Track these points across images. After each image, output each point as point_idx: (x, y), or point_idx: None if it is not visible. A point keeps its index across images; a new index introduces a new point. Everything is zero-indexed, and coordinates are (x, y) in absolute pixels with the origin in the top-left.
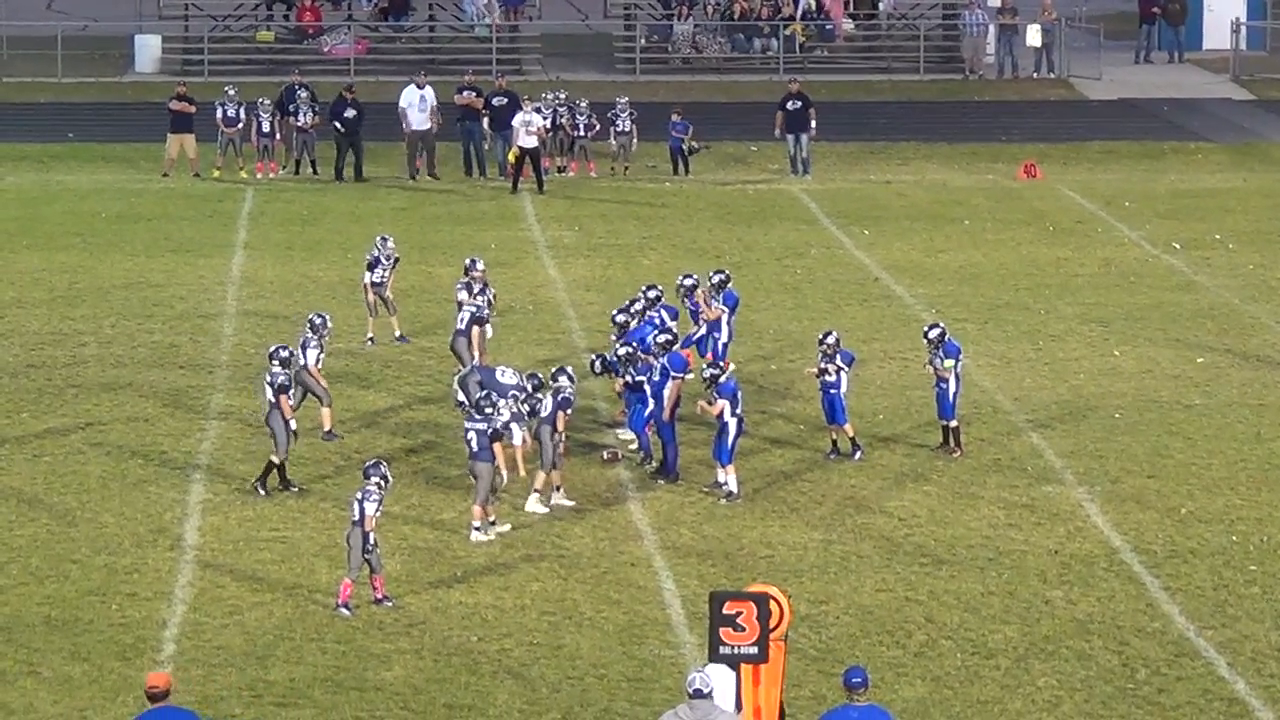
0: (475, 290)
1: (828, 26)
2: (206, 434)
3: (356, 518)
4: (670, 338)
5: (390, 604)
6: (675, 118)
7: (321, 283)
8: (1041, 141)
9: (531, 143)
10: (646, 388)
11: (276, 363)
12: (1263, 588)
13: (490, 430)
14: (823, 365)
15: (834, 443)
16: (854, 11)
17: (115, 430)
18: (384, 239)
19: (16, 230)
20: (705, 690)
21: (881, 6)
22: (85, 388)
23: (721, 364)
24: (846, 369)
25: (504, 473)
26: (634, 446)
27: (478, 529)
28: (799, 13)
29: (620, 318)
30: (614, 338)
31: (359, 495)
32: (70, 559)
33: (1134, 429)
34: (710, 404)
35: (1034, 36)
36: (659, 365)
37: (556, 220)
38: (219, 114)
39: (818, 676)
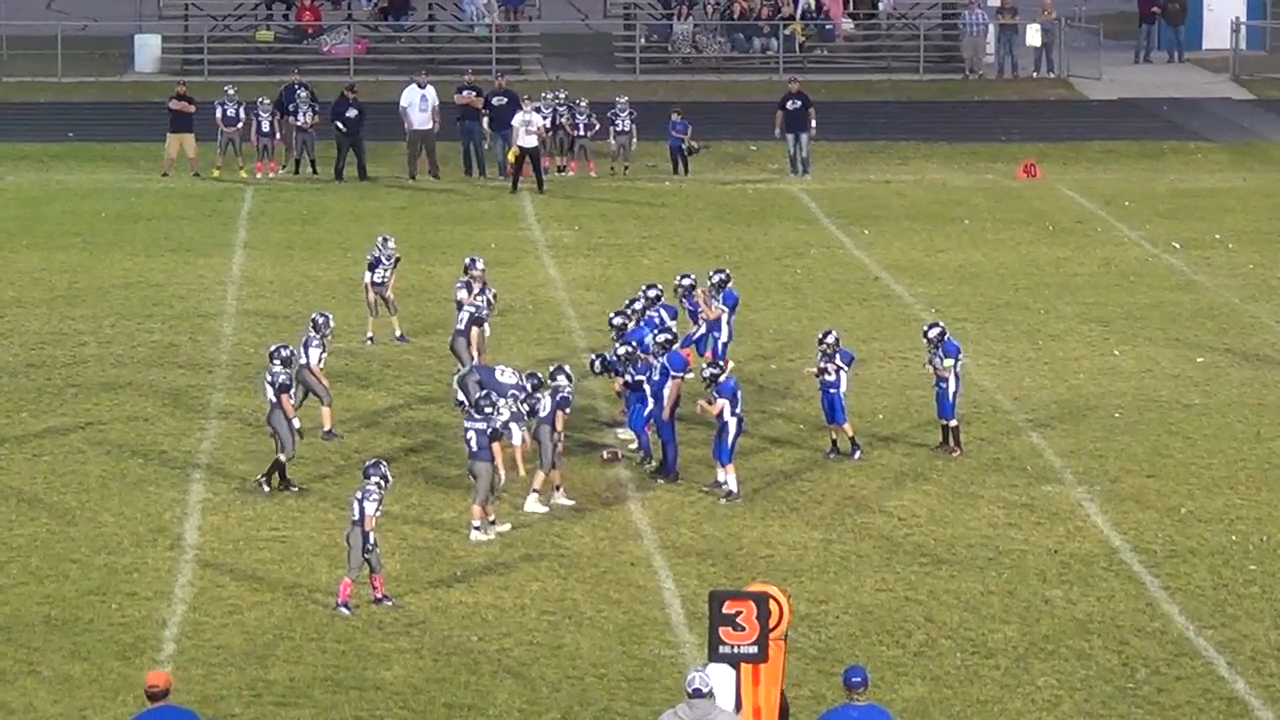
0: (475, 290)
1: (827, 26)
2: (206, 433)
3: (356, 517)
4: (670, 337)
5: (390, 603)
6: (675, 117)
7: (321, 282)
8: (1041, 141)
9: (531, 142)
10: (646, 387)
11: (278, 362)
12: (1262, 587)
13: (490, 430)
14: (822, 365)
15: (834, 442)
16: (854, 11)
17: (115, 430)
18: (385, 239)
19: (16, 230)
20: (705, 690)
21: (881, 6)
22: (85, 387)
23: (721, 363)
24: (846, 368)
25: (502, 472)
26: (634, 446)
27: (477, 528)
28: (799, 12)
29: (617, 320)
30: (612, 338)
31: (359, 495)
32: (70, 558)
33: (1134, 428)
34: (710, 403)
35: (1034, 36)
36: (659, 365)
37: (556, 220)
38: (219, 113)
39: (817, 676)
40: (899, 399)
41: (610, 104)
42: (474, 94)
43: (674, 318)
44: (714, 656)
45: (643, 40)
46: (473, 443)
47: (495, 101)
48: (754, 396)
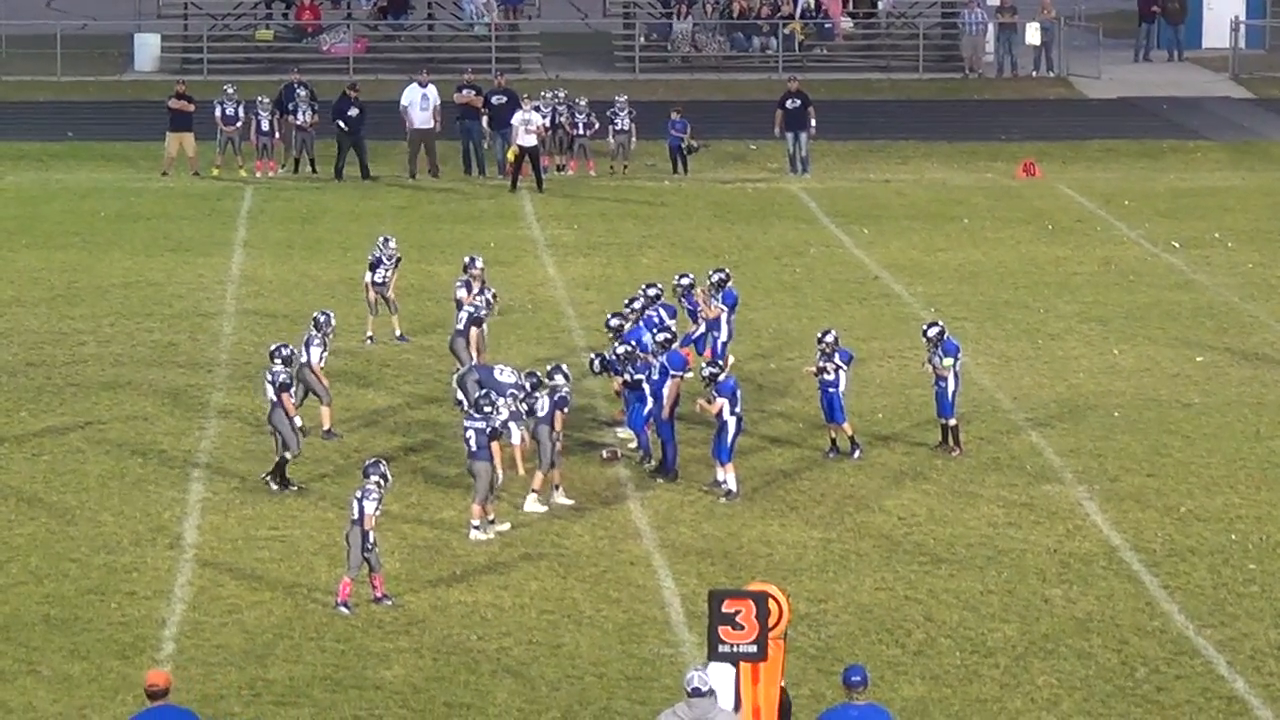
0: (475, 289)
1: (827, 25)
2: (206, 433)
3: (356, 516)
4: (669, 336)
5: (389, 602)
6: (674, 116)
7: (321, 281)
8: (1041, 140)
9: (531, 141)
10: (646, 386)
11: (279, 361)
12: (1262, 586)
13: (489, 429)
14: (821, 364)
15: (833, 441)
16: (853, 10)
17: (114, 429)
18: (386, 239)
19: (16, 229)
20: (704, 689)
21: (881, 5)
22: (84, 386)
23: (721, 362)
24: (845, 367)
25: (500, 471)
26: (633, 445)
27: (477, 528)
28: (798, 11)
29: (614, 321)
30: (610, 339)
31: (358, 494)
32: (69, 558)
33: (1133, 427)
34: (709, 402)
35: (1033, 35)
36: (658, 364)
37: (555, 219)
38: (218, 113)
39: (817, 675)
40: (898, 398)
41: (610, 103)
42: (473, 93)
43: (673, 317)
44: (713, 655)
45: (642, 39)
46: (472, 442)
47: (495, 100)
48: (753, 395)
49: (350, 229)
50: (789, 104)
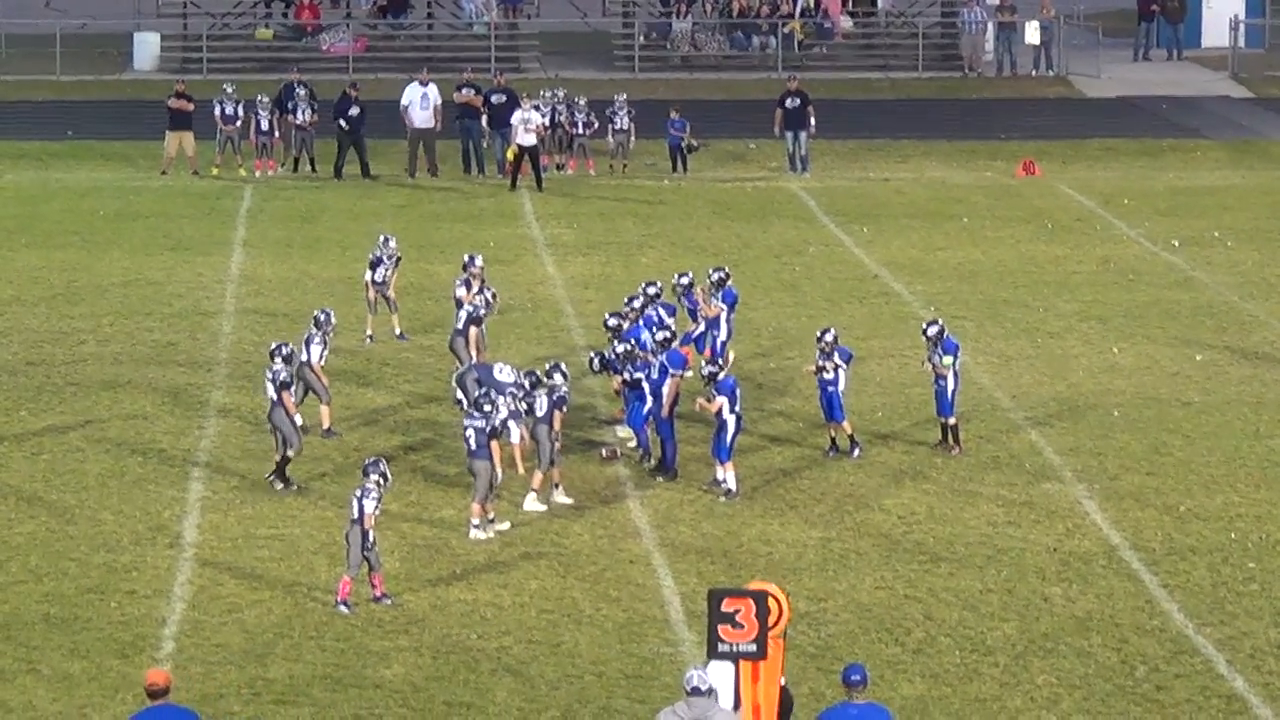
0: (474, 288)
1: (826, 24)
2: (205, 431)
3: (355, 515)
4: (669, 335)
5: (389, 602)
6: (673, 115)
7: (320, 280)
8: (1040, 139)
9: (530, 140)
10: (645, 385)
11: (279, 359)
12: (1261, 585)
13: (489, 428)
14: (821, 363)
15: (833, 440)
16: (853, 9)
17: (114, 428)
18: (386, 238)
19: (15, 228)
20: (703, 688)
21: (880, 4)
22: (84, 385)
23: (721, 361)
24: (844, 366)
25: (499, 470)
26: (633, 444)
27: (477, 526)
28: (798, 10)
29: (612, 321)
30: (609, 338)
31: (358, 493)
32: (69, 557)
33: (1133, 426)
34: (709, 401)
35: (1033, 34)
36: (658, 363)
37: (555, 218)
38: (217, 112)
39: (816, 674)
40: (898, 397)
41: (609, 102)
42: (473, 92)
43: (672, 315)
44: (713, 654)
45: (642, 38)
46: (472, 441)
47: (494, 100)
48: (753, 394)
49: (350, 228)
50: (788, 103)
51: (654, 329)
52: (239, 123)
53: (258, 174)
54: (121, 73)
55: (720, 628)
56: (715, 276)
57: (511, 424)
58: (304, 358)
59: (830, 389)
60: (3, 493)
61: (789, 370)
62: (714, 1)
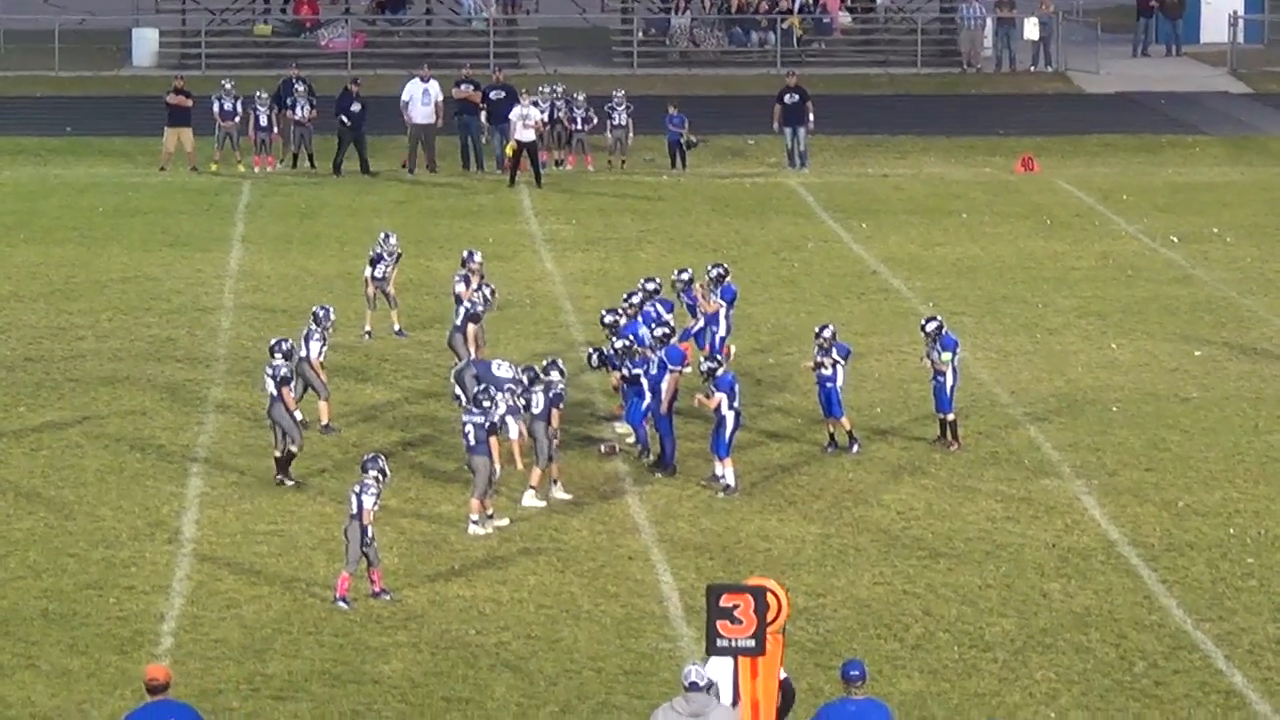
0: (473, 284)
1: (825, 20)
2: (204, 427)
3: (354, 511)
4: (667, 331)
5: (388, 597)
6: (671, 111)
7: (319, 276)
8: (1039, 135)
9: (529, 136)
10: (644, 381)
11: (279, 355)
12: (1260, 580)
13: (488, 424)
14: (819, 359)
15: (831, 436)
16: (851, 5)
17: (113, 423)
18: (386, 235)
19: (14, 224)
20: (701, 683)
21: (879, 0)
22: (83, 381)
23: (720, 356)
24: (843, 362)
25: (498, 466)
26: (631, 440)
27: (475, 522)
28: (796, 6)
29: (609, 318)
30: (606, 335)
31: (357, 489)
32: (68, 552)
33: (1131, 422)
34: (708, 397)
35: (1031, 29)
36: (656, 359)
37: (554, 214)
38: (216, 108)
39: (815, 669)
40: (897, 392)
41: (608, 98)
42: (471, 88)
43: (670, 311)
44: (712, 650)
45: (640, 34)
46: (470, 437)
47: (493, 95)
48: (752, 390)
49: (348, 224)
50: (787, 99)
51: (652, 325)
52: (238, 119)
53: (256, 170)
54: (120, 69)
55: (719, 623)
56: (714, 272)
57: (510, 419)
58: (303, 354)
59: (829, 385)
60: (2, 489)
61: (788, 366)
62: None
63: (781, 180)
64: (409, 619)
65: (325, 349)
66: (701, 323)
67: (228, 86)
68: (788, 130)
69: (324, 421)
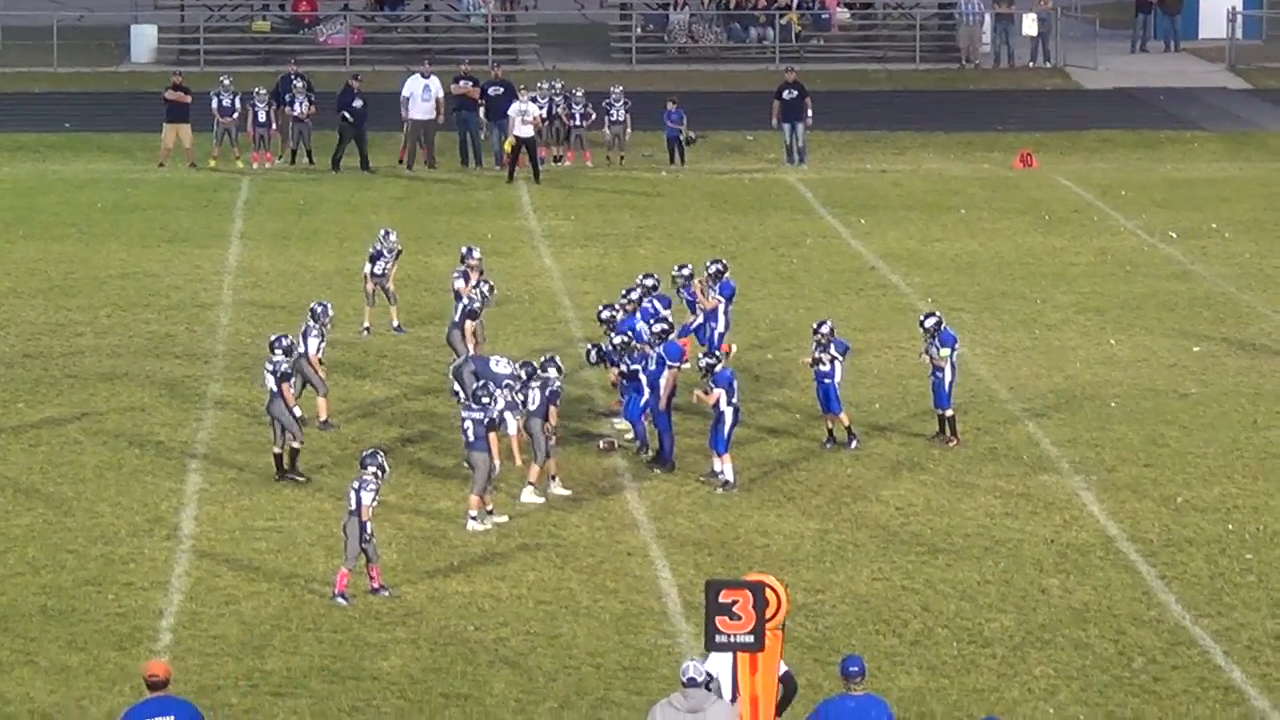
0: (473, 280)
1: (823, 16)
2: (203, 423)
3: (353, 507)
4: (666, 327)
5: (387, 593)
6: (670, 106)
7: (318, 272)
8: (1037, 130)
9: (528, 132)
10: (642, 377)
11: (279, 351)
12: (1259, 576)
13: (487, 420)
14: (817, 355)
15: (830, 432)
16: (850, 1)
17: (111, 420)
18: (386, 232)
19: (13, 220)
20: (699, 679)
21: None
22: (81, 377)
23: (718, 352)
24: (841, 358)
25: (497, 462)
26: (630, 436)
27: (474, 518)
28: (795, 2)
29: (605, 314)
30: (604, 331)
31: (355, 485)
32: (67, 549)
33: (1130, 418)
34: (706, 393)
35: (1030, 25)
36: (655, 354)
37: (552, 210)
38: (215, 104)
39: (814, 665)
40: (895, 388)
41: (606, 94)
42: (470, 84)
43: (667, 308)
44: (711, 646)
45: (639, 30)
46: (470, 432)
47: (491, 91)
48: (750, 386)
49: (347, 220)
50: (786, 95)
51: (650, 321)
52: (236, 115)
53: (255, 166)
54: (119, 65)
55: (718, 619)
56: (713, 269)
57: (508, 415)
58: (301, 350)
59: (827, 381)
60: (1, 485)
61: (786, 362)
62: None
63: (780, 176)
64: (408, 615)
65: (323, 345)
66: (701, 319)
67: (226, 83)
68: (786, 126)
69: (323, 417)
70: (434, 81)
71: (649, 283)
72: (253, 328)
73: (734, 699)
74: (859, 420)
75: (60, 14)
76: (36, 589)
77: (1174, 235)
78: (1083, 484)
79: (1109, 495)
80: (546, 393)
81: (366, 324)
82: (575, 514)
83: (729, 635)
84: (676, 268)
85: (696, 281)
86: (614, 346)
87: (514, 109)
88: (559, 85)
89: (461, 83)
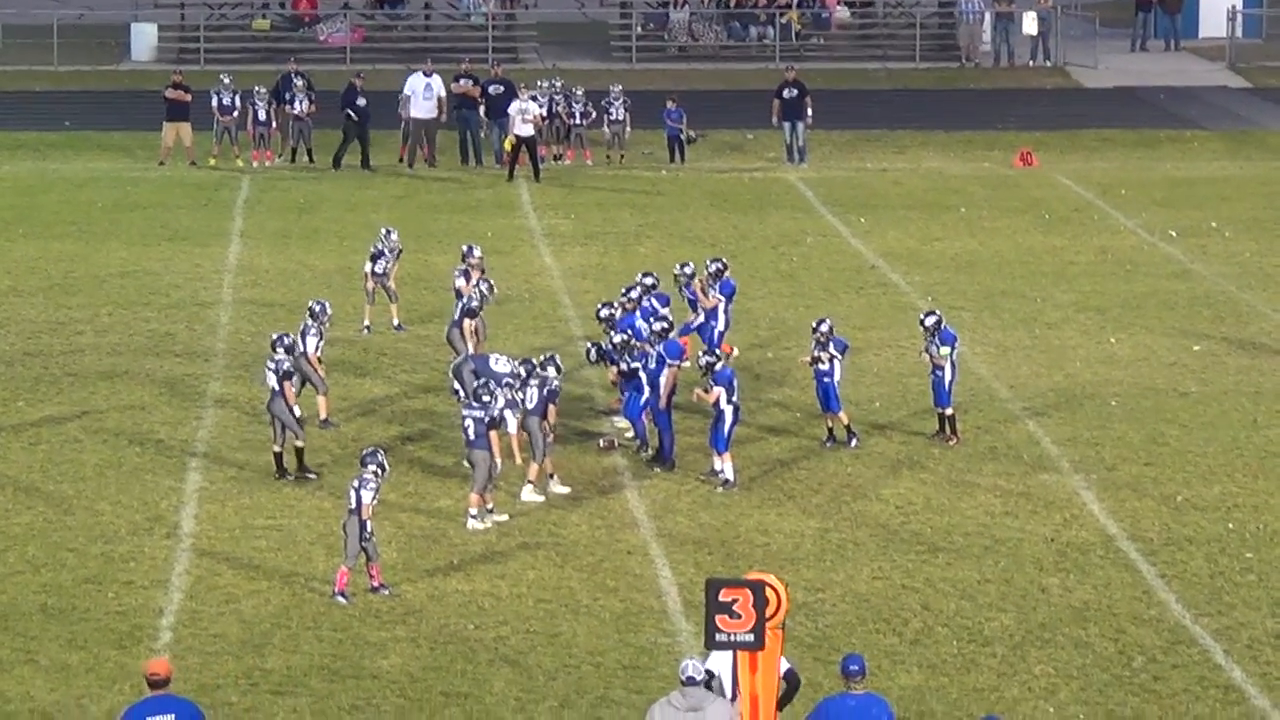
0: (473, 278)
1: (824, 14)
2: (203, 422)
3: (353, 506)
4: (666, 325)
5: (387, 592)
6: (669, 105)
7: (318, 271)
8: (1037, 129)
9: (528, 131)
10: (642, 376)
11: (281, 349)
12: (1259, 575)
13: (488, 418)
14: (816, 354)
15: (830, 430)
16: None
17: (112, 418)
18: (388, 231)
19: (13, 219)
20: (697, 677)
21: None
22: (82, 376)
23: (718, 351)
24: (840, 357)
25: (498, 460)
26: (630, 434)
27: (474, 517)
28: (795, 1)
29: (604, 312)
30: (603, 329)
31: (355, 483)
32: (67, 547)
33: (1130, 416)
34: (706, 391)
35: (1030, 24)
36: (655, 353)
37: (552, 208)
38: (215, 102)
39: (814, 664)
40: (895, 387)
41: (606, 93)
42: (470, 83)
43: (666, 306)
44: (711, 644)
45: (639, 29)
46: (470, 431)
47: (492, 90)
48: (750, 385)
49: (347, 219)
50: (786, 93)
51: (650, 320)
52: (236, 113)
53: (255, 165)
54: (119, 63)
55: (718, 618)
56: (713, 267)
57: (508, 414)
58: (300, 349)
59: (826, 380)
60: (1, 483)
61: (786, 361)
62: None
63: (780, 175)
64: (408, 614)
65: (322, 344)
66: (702, 317)
67: (226, 81)
68: (786, 125)
69: (322, 416)
70: (436, 80)
71: (648, 281)
72: (253, 326)
73: (734, 698)
74: (859, 419)
75: (60, 12)
76: (37, 587)
77: (1174, 234)
78: (1083, 483)
79: (1109, 494)
80: (545, 391)
81: (367, 322)
82: (575, 513)
83: (729, 634)
84: (678, 266)
85: (697, 280)
86: (614, 345)
87: (514, 107)
88: (559, 84)
89: (462, 81)
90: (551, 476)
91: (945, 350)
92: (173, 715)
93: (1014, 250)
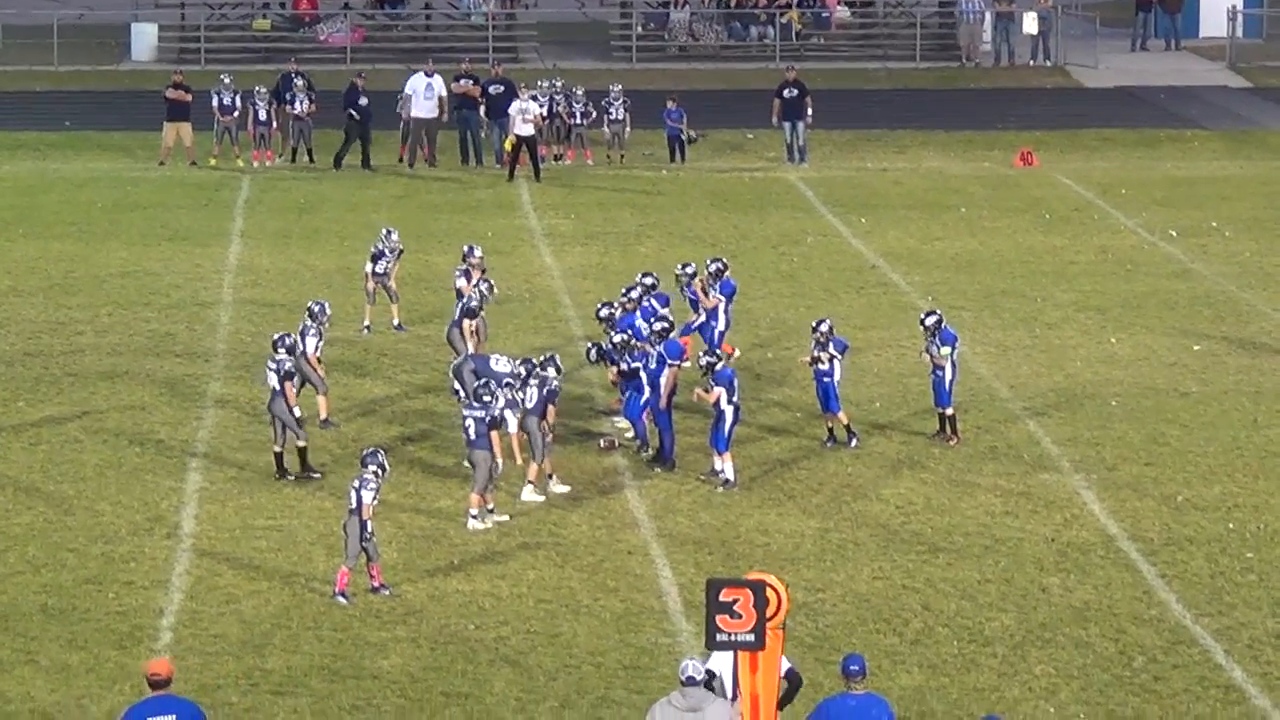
0: (474, 278)
1: (824, 14)
2: (203, 422)
3: (353, 506)
4: (666, 325)
5: (387, 592)
6: (670, 105)
7: (318, 271)
8: (1038, 129)
9: (528, 131)
10: (643, 376)
11: (282, 350)
12: (1259, 575)
13: (488, 418)
14: (816, 354)
15: (830, 430)
16: None
17: (112, 418)
18: (388, 231)
19: (13, 219)
20: (697, 677)
21: None
22: (82, 376)
23: (719, 351)
24: (840, 357)
25: (499, 460)
26: (630, 434)
27: (475, 517)
28: (795, 1)
29: (604, 312)
30: (603, 329)
31: (356, 483)
32: (67, 547)
33: (1130, 416)
34: (707, 391)
35: (1030, 24)
36: (655, 353)
37: (553, 208)
38: (215, 102)
39: (815, 664)
40: (896, 387)
41: (606, 92)
42: (471, 82)
43: (665, 306)
44: (711, 645)
45: (639, 29)
46: (471, 431)
47: (492, 90)
48: (751, 385)
49: (347, 219)
50: (786, 93)
51: (650, 320)
52: (236, 113)
53: (255, 165)
54: (119, 63)
55: (718, 618)
56: (713, 267)
57: (508, 414)
58: (300, 349)
59: (826, 380)
60: (1, 483)
61: (787, 361)
62: None
63: (780, 175)
64: (408, 614)
65: (322, 344)
66: (703, 317)
67: (226, 81)
68: (787, 125)
69: (323, 416)
70: (437, 80)
71: (649, 281)
72: (253, 326)
73: (735, 698)
74: (859, 419)
75: (61, 12)
76: (37, 588)
77: (1174, 234)
78: (1083, 483)
79: (1109, 494)
80: (544, 391)
81: (367, 322)
82: (576, 513)
83: (730, 634)
84: (680, 266)
85: (698, 280)
86: (614, 345)
87: (514, 107)
88: (559, 84)
89: (462, 81)
90: (551, 476)
91: (945, 350)
92: (173, 716)
93: (1014, 250)
